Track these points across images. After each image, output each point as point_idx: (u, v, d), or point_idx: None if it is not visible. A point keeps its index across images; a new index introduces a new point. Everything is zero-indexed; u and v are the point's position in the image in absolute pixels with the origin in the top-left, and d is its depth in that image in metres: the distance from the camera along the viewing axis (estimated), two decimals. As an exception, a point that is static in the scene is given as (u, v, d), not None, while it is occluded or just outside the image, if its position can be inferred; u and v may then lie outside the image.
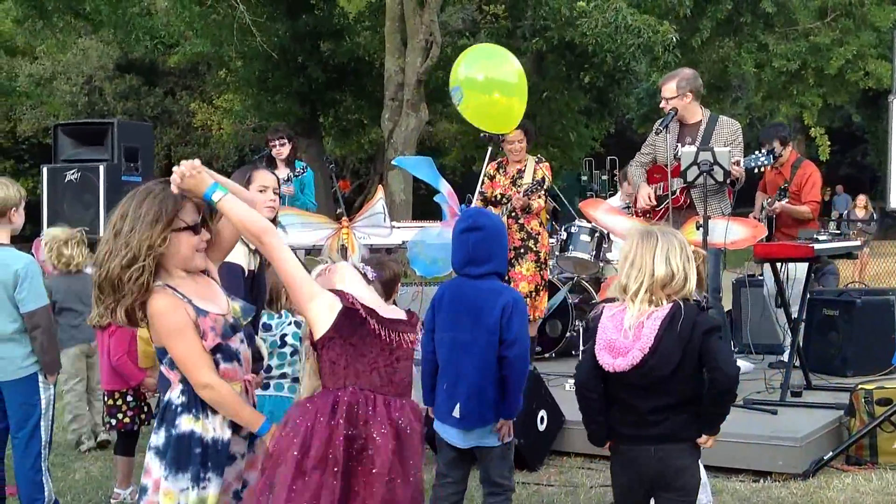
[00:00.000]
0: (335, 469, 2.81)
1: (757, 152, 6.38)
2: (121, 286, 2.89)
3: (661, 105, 6.55)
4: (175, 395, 3.00)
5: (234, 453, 3.04)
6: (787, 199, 7.28)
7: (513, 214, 7.02)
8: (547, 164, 7.29)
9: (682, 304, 3.20)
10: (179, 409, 2.98)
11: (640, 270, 3.20)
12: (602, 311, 3.34)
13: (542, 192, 7.05)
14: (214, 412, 2.99)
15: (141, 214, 2.91)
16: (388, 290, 4.57)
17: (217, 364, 2.99)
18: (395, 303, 4.72)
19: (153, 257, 2.90)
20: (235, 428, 3.03)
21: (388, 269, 4.68)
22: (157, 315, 2.92)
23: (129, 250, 2.87)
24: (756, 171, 6.39)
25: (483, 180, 7.26)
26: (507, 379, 3.83)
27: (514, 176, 7.15)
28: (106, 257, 2.91)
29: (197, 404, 2.99)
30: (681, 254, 3.21)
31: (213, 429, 2.97)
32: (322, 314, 2.91)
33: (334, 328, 2.91)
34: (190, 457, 2.94)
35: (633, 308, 3.21)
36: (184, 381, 3.01)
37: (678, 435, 3.26)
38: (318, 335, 2.93)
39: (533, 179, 7.04)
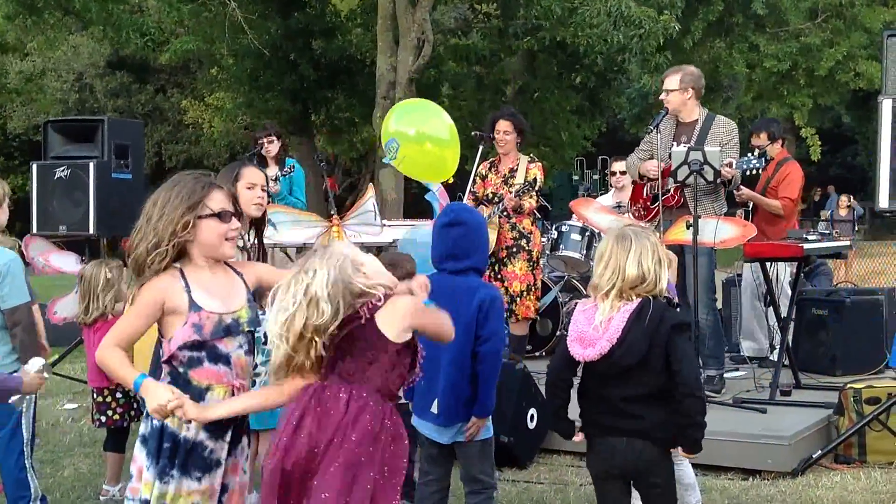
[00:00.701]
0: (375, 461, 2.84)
1: (750, 155, 6.36)
2: (143, 269, 2.99)
3: (661, 97, 6.54)
4: None
5: (216, 458, 3.05)
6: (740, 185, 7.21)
7: (504, 214, 7.02)
8: (540, 164, 7.24)
9: (651, 298, 3.30)
10: None
11: (614, 272, 3.31)
12: (575, 306, 3.46)
13: (534, 193, 7.04)
14: None
15: (170, 199, 3.01)
16: None
17: (200, 361, 3.03)
18: None
19: (175, 243, 2.98)
20: (215, 433, 3.03)
21: (401, 267, 4.65)
22: (146, 284, 3.01)
23: (156, 235, 2.97)
24: (748, 173, 6.38)
25: (475, 179, 7.24)
26: (479, 375, 3.83)
27: (506, 175, 7.13)
28: (137, 242, 3.01)
29: None
30: (652, 256, 3.31)
31: (186, 428, 3.00)
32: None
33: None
34: (161, 450, 3.00)
35: (604, 305, 3.32)
36: (171, 374, 3.05)
37: (652, 434, 3.33)
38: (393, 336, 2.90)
39: (525, 179, 7.02)
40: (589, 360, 3.31)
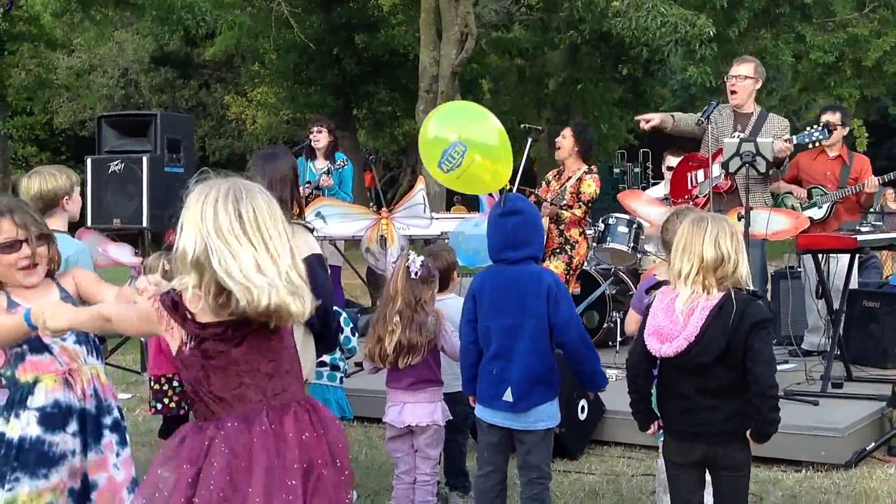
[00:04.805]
0: None
1: (810, 128, 6.30)
2: None
3: (730, 84, 6.61)
4: None
5: (61, 452, 3.10)
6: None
7: (553, 220, 7.08)
8: (596, 176, 7.23)
9: (733, 293, 3.24)
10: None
11: (691, 254, 3.25)
12: (655, 298, 3.42)
13: (580, 204, 7.07)
14: (23, 409, 3.08)
15: None
16: (443, 279, 4.57)
17: (22, 356, 3.13)
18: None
19: None
20: (51, 426, 3.08)
21: (441, 259, 4.69)
22: None
23: None
24: (811, 146, 6.43)
25: (540, 183, 7.35)
26: (580, 360, 3.88)
27: (564, 185, 7.23)
28: None
29: (8, 405, 3.12)
30: (731, 238, 3.25)
31: (19, 427, 3.07)
32: None
33: None
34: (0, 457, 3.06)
35: (686, 292, 3.27)
36: (5, 382, 3.15)
37: (728, 425, 3.33)
38: None
39: (571, 191, 7.08)
40: (665, 355, 3.28)
